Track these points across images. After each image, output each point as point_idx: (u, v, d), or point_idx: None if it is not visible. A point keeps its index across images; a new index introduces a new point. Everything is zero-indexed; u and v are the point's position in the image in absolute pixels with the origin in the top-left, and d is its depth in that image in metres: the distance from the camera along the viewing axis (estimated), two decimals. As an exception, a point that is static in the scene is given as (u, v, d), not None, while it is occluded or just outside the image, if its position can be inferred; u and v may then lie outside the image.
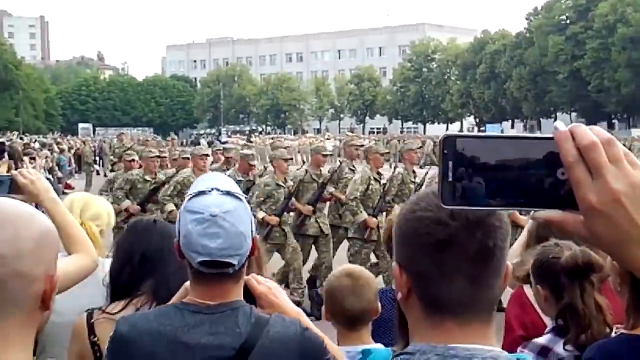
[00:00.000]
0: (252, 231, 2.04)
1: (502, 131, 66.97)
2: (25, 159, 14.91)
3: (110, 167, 23.42)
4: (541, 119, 76.41)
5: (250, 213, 2.08)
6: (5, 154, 16.06)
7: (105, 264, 3.08)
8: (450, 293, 1.26)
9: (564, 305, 2.76)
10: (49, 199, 2.77)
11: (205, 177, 2.15)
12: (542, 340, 2.88)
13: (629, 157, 0.97)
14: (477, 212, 1.20)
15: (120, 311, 2.68)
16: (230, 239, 1.97)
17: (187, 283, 2.27)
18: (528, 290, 3.38)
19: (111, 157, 23.79)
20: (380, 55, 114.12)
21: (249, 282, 2.16)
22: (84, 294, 2.94)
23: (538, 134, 1.03)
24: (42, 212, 1.76)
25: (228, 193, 2.02)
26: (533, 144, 1.02)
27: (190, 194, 2.04)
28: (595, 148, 0.95)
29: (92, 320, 2.70)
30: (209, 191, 2.01)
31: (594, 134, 0.97)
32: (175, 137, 24.38)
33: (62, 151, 30.95)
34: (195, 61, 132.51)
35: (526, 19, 76.19)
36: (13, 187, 2.78)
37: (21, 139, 28.99)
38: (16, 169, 13.10)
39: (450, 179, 1.02)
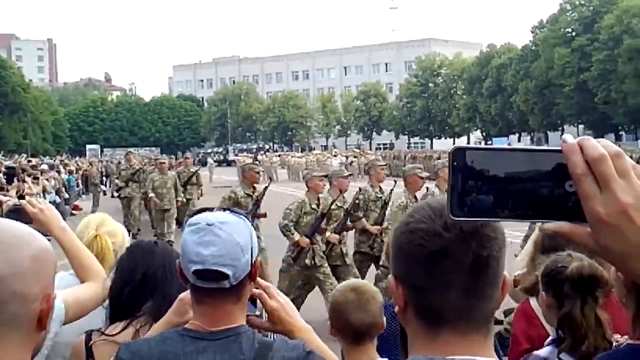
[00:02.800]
0: (252, 249, 1.99)
1: (509, 144, 67.10)
2: (28, 179, 14.95)
3: (117, 192, 21.03)
4: (548, 132, 76.32)
5: (253, 233, 2.05)
6: (15, 179, 16.15)
7: (106, 286, 3.05)
8: (446, 304, 1.26)
9: (563, 314, 2.75)
10: (59, 227, 2.75)
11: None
12: (542, 352, 2.86)
13: (637, 170, 0.98)
14: (479, 223, 1.21)
15: (119, 332, 2.65)
16: (225, 248, 1.94)
17: (182, 295, 2.25)
18: (534, 303, 3.36)
19: (117, 182, 21.09)
20: (386, 71, 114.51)
21: (260, 296, 2.14)
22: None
23: (547, 147, 1.05)
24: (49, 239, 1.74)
25: (229, 210, 2.03)
26: (542, 157, 1.03)
27: (194, 212, 2.06)
28: (604, 161, 0.97)
29: (91, 343, 2.66)
30: (211, 209, 2.03)
31: (602, 146, 0.98)
32: (190, 156, 22.94)
33: (70, 172, 31.07)
34: (202, 80, 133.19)
35: (531, 32, 76.29)
36: (23, 216, 2.75)
37: (29, 161, 29.01)
38: (21, 190, 13.03)
39: (459, 191, 1.04)
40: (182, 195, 17.54)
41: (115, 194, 21.36)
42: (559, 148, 1.01)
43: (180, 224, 18.82)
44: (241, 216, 2.03)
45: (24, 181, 14.37)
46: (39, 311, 1.35)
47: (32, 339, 1.37)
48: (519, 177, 1.02)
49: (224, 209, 2.04)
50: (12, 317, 1.31)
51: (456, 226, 1.22)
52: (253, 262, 2.00)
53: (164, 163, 18.22)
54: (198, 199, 19.28)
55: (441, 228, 1.24)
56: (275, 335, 2.15)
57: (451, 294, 1.25)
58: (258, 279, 2.12)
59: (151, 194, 16.81)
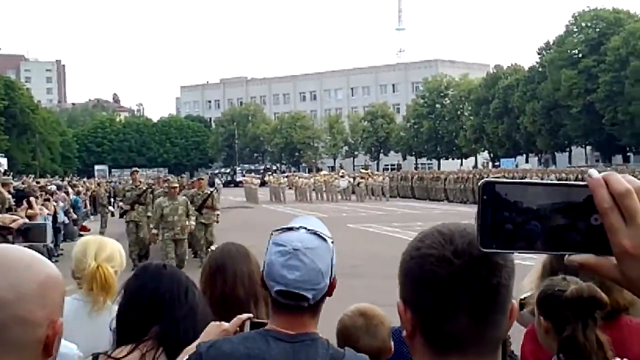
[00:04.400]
0: (331, 271, 2.17)
1: (516, 166, 66.99)
2: (32, 200, 14.94)
3: (121, 216, 18.69)
4: (556, 153, 76.22)
5: (334, 255, 2.19)
6: (25, 200, 16.17)
7: (113, 309, 3.03)
8: (454, 331, 1.27)
9: (565, 338, 2.73)
10: None
11: (299, 218, 2.28)
12: None
13: None
14: (506, 254, 1.23)
15: (125, 356, 2.63)
16: (307, 274, 2.10)
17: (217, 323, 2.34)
18: (542, 325, 3.33)
19: (121, 204, 18.60)
20: (393, 92, 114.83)
21: None
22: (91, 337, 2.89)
23: (573, 182, 1.08)
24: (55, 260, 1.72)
25: (314, 233, 2.16)
26: (567, 191, 1.06)
27: (280, 229, 2.19)
28: (630, 195, 1.00)
29: (98, 365, 2.65)
30: (297, 228, 2.17)
31: (627, 181, 1.02)
32: (204, 177, 21.99)
33: (78, 193, 31.14)
34: (209, 101, 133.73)
35: (538, 53, 76.43)
36: (31, 237, 2.74)
37: (37, 182, 29.08)
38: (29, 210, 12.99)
39: (489, 224, 1.06)
40: (195, 221, 15.68)
41: (120, 216, 18.88)
42: (585, 183, 1.03)
43: (195, 253, 17.06)
44: (325, 239, 2.17)
45: (28, 202, 14.39)
46: (44, 337, 1.34)
47: None
48: (546, 211, 1.05)
49: (307, 229, 2.16)
50: (16, 342, 1.31)
51: (466, 253, 1.24)
52: (331, 281, 2.17)
53: (175, 188, 15.59)
54: (217, 222, 17.78)
55: (451, 254, 1.25)
56: None
57: (459, 319, 1.26)
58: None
59: (154, 230, 15.09)
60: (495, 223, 1.06)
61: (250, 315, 2.35)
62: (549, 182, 1.10)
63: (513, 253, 1.14)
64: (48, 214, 17.05)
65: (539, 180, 1.12)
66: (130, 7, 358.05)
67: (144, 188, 18.21)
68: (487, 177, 1.22)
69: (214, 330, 2.31)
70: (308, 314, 2.16)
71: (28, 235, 2.80)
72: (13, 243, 2.74)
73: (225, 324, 2.29)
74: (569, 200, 1.05)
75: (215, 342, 2.14)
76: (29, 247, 1.66)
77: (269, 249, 2.17)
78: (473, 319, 1.26)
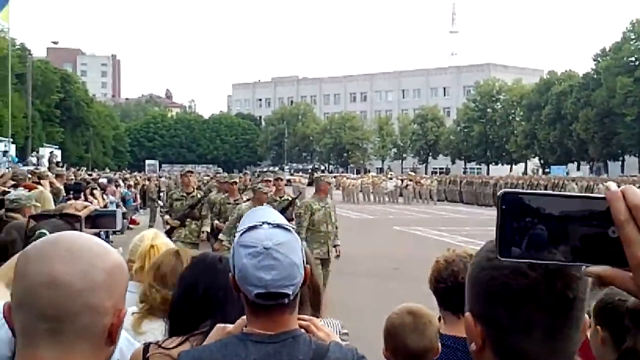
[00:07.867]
0: (303, 261, 2.10)
1: (567, 173, 65.95)
2: (97, 192, 15.24)
3: (167, 231, 11.59)
4: (608, 162, 74.88)
5: (300, 244, 2.13)
6: (82, 194, 16.42)
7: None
8: (528, 346, 1.22)
9: (626, 349, 2.66)
10: None
11: (253, 212, 2.21)
12: None
13: None
14: (528, 264, 1.19)
15: (176, 347, 2.67)
16: (284, 270, 2.03)
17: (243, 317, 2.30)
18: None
19: (167, 218, 12.55)
20: (444, 95, 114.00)
21: (309, 328, 2.21)
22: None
23: (593, 194, 1.08)
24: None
25: (278, 226, 2.08)
26: (587, 203, 1.07)
27: (242, 230, 2.09)
28: None
29: (148, 355, 2.69)
30: (260, 225, 2.07)
31: None
32: (283, 178, 13.80)
33: (129, 187, 31.58)
34: (260, 99, 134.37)
35: (593, 59, 75.17)
36: (111, 222, 2.81)
37: (89, 175, 29.55)
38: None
39: (507, 233, 1.07)
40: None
41: (170, 235, 11.67)
42: (602, 195, 1.05)
43: None
44: (290, 230, 2.11)
45: (92, 195, 14.67)
46: (109, 325, 1.37)
47: (101, 353, 1.39)
48: (564, 223, 1.06)
49: (269, 224, 2.08)
50: (84, 329, 1.34)
51: (542, 265, 1.18)
52: (305, 270, 2.10)
53: (328, 184, 11.88)
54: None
55: (526, 266, 1.20)
56: None
57: (534, 335, 1.22)
58: (301, 315, 2.21)
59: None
60: (515, 231, 1.07)
61: None
62: (566, 194, 1.10)
63: (534, 263, 1.13)
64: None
65: (556, 192, 1.12)
66: (185, 4, 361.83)
67: (199, 197, 12.59)
68: (507, 188, 1.15)
69: (219, 332, 2.27)
70: (288, 310, 2.10)
71: (98, 222, 2.85)
72: (81, 230, 2.78)
73: (230, 326, 2.24)
74: (589, 212, 1.06)
75: (194, 352, 2.11)
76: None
77: (236, 253, 2.07)
78: (548, 335, 1.22)
